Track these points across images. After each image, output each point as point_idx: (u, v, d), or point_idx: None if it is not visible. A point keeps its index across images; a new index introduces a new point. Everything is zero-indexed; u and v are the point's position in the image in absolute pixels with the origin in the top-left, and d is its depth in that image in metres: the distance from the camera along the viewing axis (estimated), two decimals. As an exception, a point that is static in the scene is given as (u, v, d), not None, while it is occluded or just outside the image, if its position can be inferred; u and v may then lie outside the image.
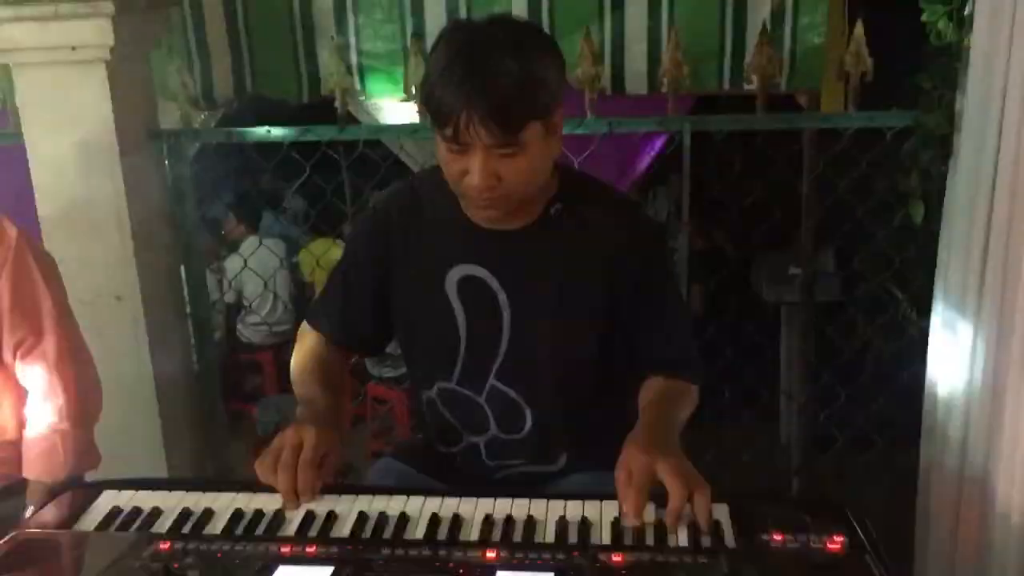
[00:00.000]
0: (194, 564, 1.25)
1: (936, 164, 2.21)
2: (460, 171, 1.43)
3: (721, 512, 1.34)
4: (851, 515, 1.34)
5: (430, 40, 2.48)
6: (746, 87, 2.48)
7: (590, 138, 2.50)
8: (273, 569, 1.23)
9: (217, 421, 2.89)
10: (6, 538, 1.34)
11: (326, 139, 2.60)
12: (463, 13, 2.56)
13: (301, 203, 6.10)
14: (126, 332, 2.49)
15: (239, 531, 1.36)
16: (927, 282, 2.29)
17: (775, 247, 4.37)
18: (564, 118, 1.51)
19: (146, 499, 1.45)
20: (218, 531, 1.36)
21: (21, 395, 1.87)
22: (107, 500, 1.45)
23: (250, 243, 4.94)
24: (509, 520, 1.36)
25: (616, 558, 1.24)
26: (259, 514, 1.40)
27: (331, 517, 1.38)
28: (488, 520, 1.36)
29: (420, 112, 2.51)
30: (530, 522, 1.35)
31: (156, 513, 1.41)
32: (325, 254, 3.56)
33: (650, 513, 1.32)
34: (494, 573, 1.21)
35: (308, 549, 1.29)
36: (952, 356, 2.13)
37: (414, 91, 2.51)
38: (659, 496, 1.32)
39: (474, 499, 1.42)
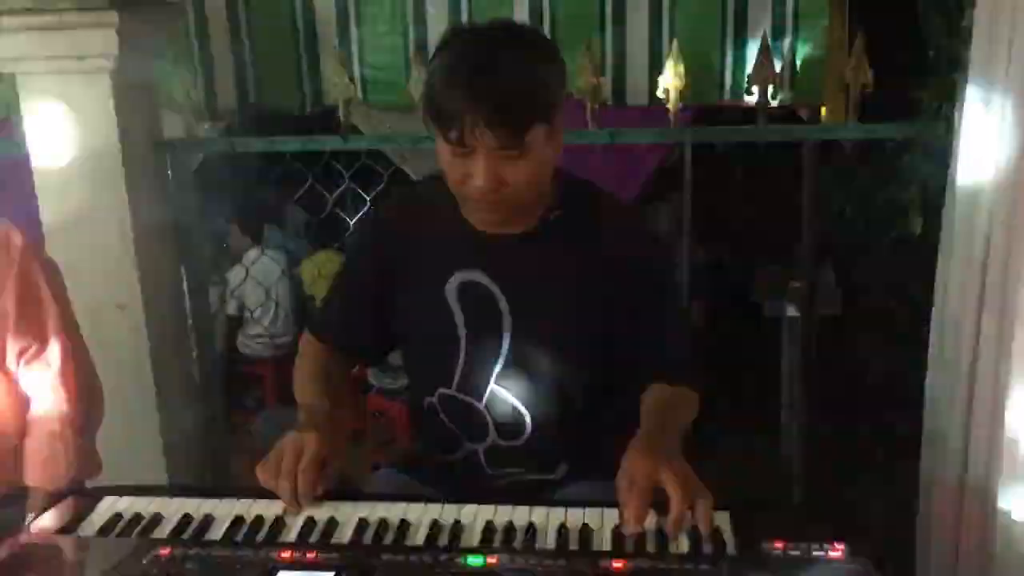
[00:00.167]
0: (194, 570, 1.25)
1: (935, 176, 2.21)
2: (463, 174, 1.44)
3: (722, 520, 1.34)
4: (852, 523, 1.34)
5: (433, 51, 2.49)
6: (747, 99, 2.49)
7: (590, 151, 2.51)
8: (273, 575, 1.23)
9: (218, 432, 2.88)
10: (6, 543, 1.34)
11: (329, 148, 2.60)
12: (466, 24, 2.57)
13: (302, 216, 6.11)
14: (127, 341, 2.49)
15: (239, 537, 1.36)
16: (926, 294, 2.29)
17: (775, 260, 4.38)
18: (565, 130, 1.52)
19: (147, 505, 1.45)
20: (218, 537, 1.36)
21: (24, 402, 1.87)
22: (108, 506, 1.46)
23: (253, 255, 4.96)
24: (510, 527, 1.36)
25: (617, 565, 1.24)
26: (259, 520, 1.40)
27: (332, 524, 1.39)
28: (489, 527, 1.36)
29: (424, 121, 2.51)
30: (531, 529, 1.35)
31: (157, 519, 1.42)
32: (326, 265, 3.57)
33: (651, 520, 1.32)
34: (495, 579, 1.22)
35: (308, 555, 1.29)
36: (952, 367, 2.13)
37: (417, 102, 2.52)
38: (660, 503, 1.31)
39: (475, 506, 1.42)
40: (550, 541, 1.33)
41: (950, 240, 2.15)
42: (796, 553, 1.27)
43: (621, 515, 1.33)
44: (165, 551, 1.29)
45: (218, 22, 2.72)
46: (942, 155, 2.18)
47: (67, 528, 1.40)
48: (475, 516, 1.39)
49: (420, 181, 1.75)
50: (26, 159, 2.45)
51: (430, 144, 2.50)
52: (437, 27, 2.61)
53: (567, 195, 1.58)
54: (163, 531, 1.38)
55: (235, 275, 4.89)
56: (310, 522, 1.39)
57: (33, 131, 2.42)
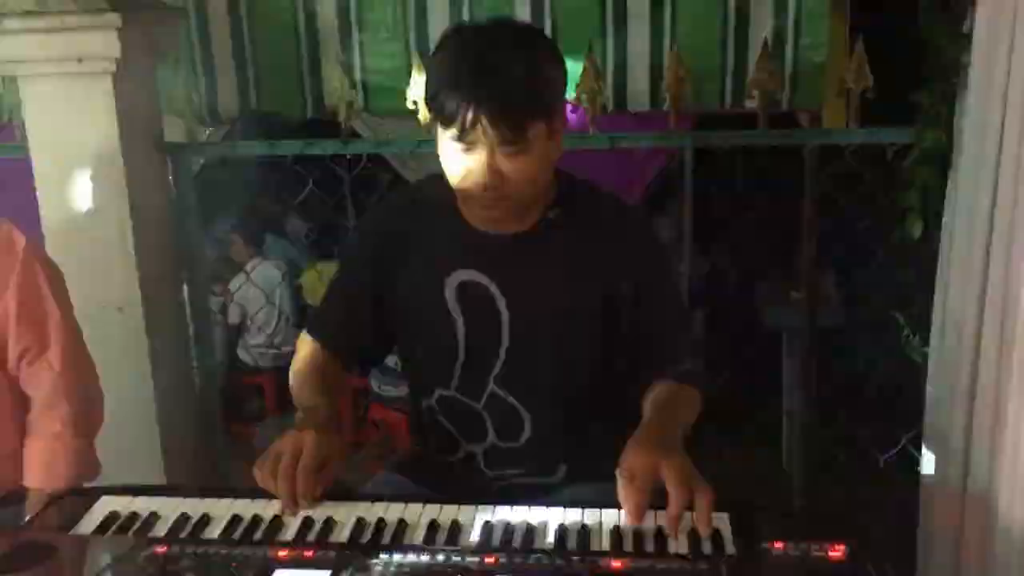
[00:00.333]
0: (191, 567, 1.25)
1: (935, 181, 2.21)
2: (464, 170, 1.44)
3: (722, 520, 1.33)
4: (853, 524, 1.33)
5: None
6: (747, 104, 2.50)
7: (590, 156, 2.50)
8: (270, 572, 1.23)
9: (217, 440, 2.88)
10: (3, 541, 1.34)
11: (330, 153, 2.60)
12: (468, 30, 2.57)
13: (302, 226, 6.12)
14: (127, 344, 2.49)
15: (236, 535, 1.36)
16: (927, 300, 2.29)
17: (776, 270, 4.37)
18: (566, 134, 1.52)
19: (144, 504, 1.45)
20: (215, 536, 1.36)
21: (24, 403, 1.87)
22: (105, 505, 1.45)
23: (254, 263, 4.97)
24: (508, 527, 1.35)
25: (616, 564, 1.23)
26: (257, 519, 1.39)
27: (329, 523, 1.38)
28: (487, 526, 1.36)
29: (424, 126, 2.52)
30: (529, 529, 1.35)
31: (153, 518, 1.41)
32: (327, 274, 3.56)
33: (651, 517, 1.32)
34: (492, 578, 1.21)
35: (305, 553, 1.29)
36: (953, 370, 2.12)
37: (418, 107, 2.52)
38: (660, 500, 1.31)
39: (473, 506, 1.41)
40: (548, 541, 1.32)
41: (950, 244, 2.14)
42: (796, 554, 1.26)
43: (619, 504, 1.32)
44: (161, 549, 1.29)
45: (220, 27, 2.73)
46: (942, 159, 2.18)
47: (64, 526, 1.40)
48: (473, 516, 1.38)
49: (419, 181, 1.75)
50: (27, 161, 2.45)
51: (430, 148, 2.52)
52: (438, 34, 2.61)
53: (566, 194, 1.59)
54: (160, 530, 1.38)
55: (236, 284, 4.89)
56: (308, 521, 1.38)
57: (34, 133, 2.42)
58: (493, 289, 1.56)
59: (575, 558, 1.25)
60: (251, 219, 5.50)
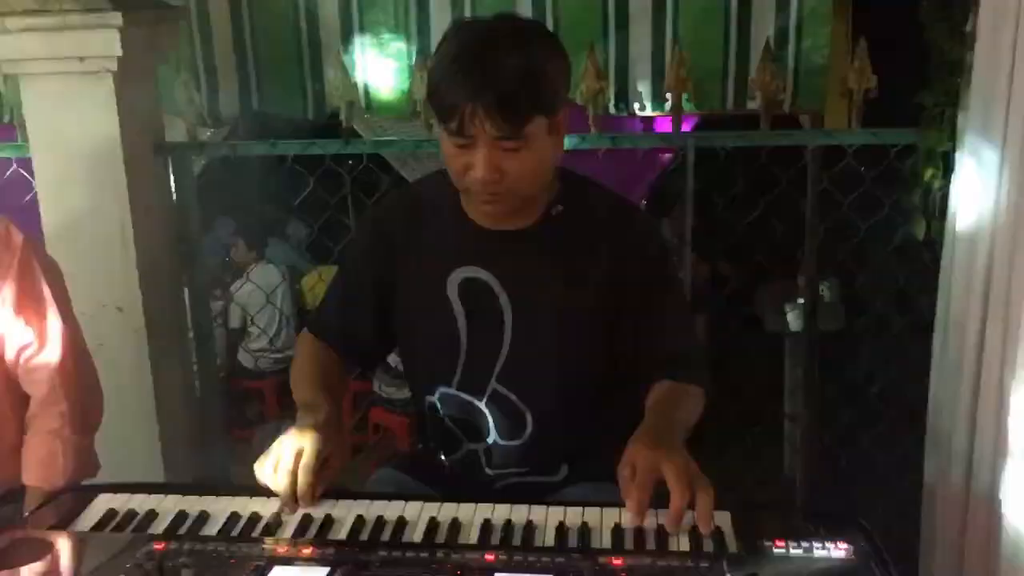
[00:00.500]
0: (188, 564, 1.24)
1: (938, 181, 2.21)
2: (464, 165, 1.43)
3: (723, 519, 1.32)
4: (856, 523, 1.32)
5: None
6: (749, 105, 2.49)
7: (591, 156, 2.50)
8: (268, 569, 1.22)
9: (217, 444, 2.87)
10: (1, 537, 1.33)
11: (330, 153, 2.60)
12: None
13: (304, 230, 6.11)
14: (127, 344, 2.48)
15: (235, 533, 1.35)
16: (929, 302, 2.28)
17: (778, 273, 4.36)
18: (567, 134, 1.52)
19: (142, 502, 1.44)
20: (214, 533, 1.35)
21: (23, 400, 1.86)
22: (103, 503, 1.45)
23: (255, 268, 4.97)
24: (508, 525, 1.34)
25: (616, 561, 1.22)
26: (256, 517, 1.39)
27: (328, 521, 1.37)
28: (487, 524, 1.35)
29: (424, 125, 2.52)
30: (529, 527, 1.34)
31: (152, 515, 1.41)
32: (327, 277, 3.55)
33: (652, 515, 1.31)
34: (492, 575, 1.20)
35: (304, 550, 1.28)
36: (956, 371, 2.12)
37: (419, 108, 2.52)
38: (661, 499, 1.30)
39: (473, 504, 1.40)
40: (549, 539, 1.31)
41: (953, 245, 2.14)
42: (799, 552, 1.25)
43: (622, 504, 1.32)
44: (159, 546, 1.29)
45: (221, 28, 2.72)
46: (945, 160, 2.17)
47: (62, 524, 1.39)
48: (473, 514, 1.38)
49: (423, 178, 1.75)
50: (27, 160, 2.45)
51: (431, 147, 2.53)
52: (439, 34, 2.61)
53: (571, 192, 1.58)
54: (158, 527, 1.38)
55: (237, 288, 4.89)
56: (306, 519, 1.38)
57: (35, 133, 2.42)
58: (495, 285, 1.55)
59: (575, 556, 1.25)
60: (252, 221, 5.50)
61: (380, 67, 2.71)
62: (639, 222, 1.63)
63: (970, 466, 2.08)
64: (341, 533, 1.35)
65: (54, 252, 1.99)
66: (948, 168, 2.17)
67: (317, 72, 2.73)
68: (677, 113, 2.45)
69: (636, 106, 2.63)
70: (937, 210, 2.24)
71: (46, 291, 1.84)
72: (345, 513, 1.39)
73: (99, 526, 1.38)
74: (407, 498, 1.44)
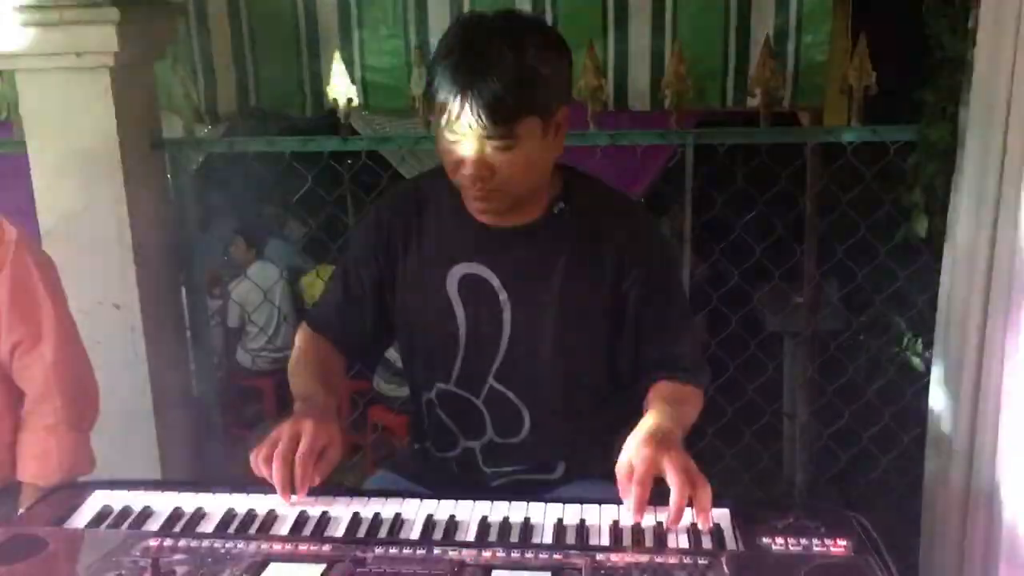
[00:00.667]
0: (184, 560, 1.23)
1: (940, 178, 2.20)
2: (456, 161, 1.43)
3: (722, 516, 1.32)
4: (855, 519, 1.31)
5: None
6: (749, 102, 2.48)
7: (590, 154, 2.49)
8: (264, 566, 1.21)
9: (215, 441, 2.86)
10: (-4, 534, 1.32)
11: (328, 150, 2.59)
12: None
13: (303, 228, 6.10)
14: (124, 341, 2.47)
15: (231, 530, 1.34)
16: (930, 299, 2.27)
17: (778, 269, 4.34)
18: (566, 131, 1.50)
19: (137, 499, 1.43)
20: (210, 530, 1.34)
21: (18, 396, 1.85)
22: (98, 499, 1.44)
23: (254, 267, 4.96)
24: (505, 522, 1.34)
25: (615, 559, 1.22)
26: (252, 514, 1.38)
27: (325, 518, 1.36)
28: (484, 522, 1.34)
29: (423, 121, 2.50)
30: (527, 524, 1.33)
31: (147, 512, 1.40)
32: (325, 275, 3.54)
33: (651, 512, 1.30)
34: (490, 573, 1.19)
35: (300, 547, 1.27)
36: (956, 370, 2.11)
37: (418, 105, 2.51)
38: (660, 497, 1.29)
39: (470, 502, 1.40)
40: (547, 537, 1.31)
41: (954, 242, 2.13)
42: (797, 548, 1.24)
43: (620, 501, 1.31)
44: (155, 542, 1.28)
45: (219, 24, 2.71)
46: (946, 156, 2.17)
47: (57, 520, 1.38)
48: (470, 512, 1.37)
49: (424, 174, 1.74)
50: (24, 156, 2.44)
51: (429, 144, 2.52)
52: (439, 30, 2.60)
53: (572, 189, 1.57)
54: (153, 524, 1.37)
55: (236, 287, 4.87)
56: (303, 516, 1.37)
57: (31, 129, 2.41)
58: (495, 282, 1.54)
59: (573, 553, 1.24)
60: (250, 219, 5.49)
61: (378, 64, 2.70)
62: (642, 221, 1.62)
63: (970, 466, 2.07)
64: (338, 530, 1.34)
65: (50, 248, 1.98)
66: (949, 165, 2.16)
67: (315, 69, 2.72)
68: (676, 110, 2.44)
69: (635, 103, 2.62)
70: (939, 206, 2.23)
71: (39, 286, 1.82)
72: (342, 510, 1.38)
73: (95, 522, 1.37)
74: (404, 496, 1.43)
